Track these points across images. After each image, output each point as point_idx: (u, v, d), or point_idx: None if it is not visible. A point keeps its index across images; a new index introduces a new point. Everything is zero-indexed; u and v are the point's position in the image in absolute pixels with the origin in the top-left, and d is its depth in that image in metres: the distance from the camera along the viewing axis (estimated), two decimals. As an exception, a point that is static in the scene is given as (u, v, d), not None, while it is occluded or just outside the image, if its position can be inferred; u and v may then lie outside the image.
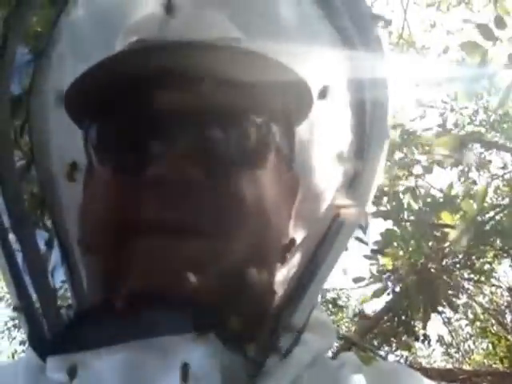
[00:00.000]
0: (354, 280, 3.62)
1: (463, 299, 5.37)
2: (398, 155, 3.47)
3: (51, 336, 0.61)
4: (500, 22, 2.19)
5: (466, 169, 4.99)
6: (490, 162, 5.38)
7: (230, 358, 0.54)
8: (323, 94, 0.65)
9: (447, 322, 5.72)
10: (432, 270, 3.54)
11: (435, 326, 5.70)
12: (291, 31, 0.70)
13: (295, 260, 0.66)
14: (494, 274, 5.32)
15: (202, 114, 0.60)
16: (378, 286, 3.68)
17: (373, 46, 0.65)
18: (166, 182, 0.57)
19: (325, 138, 0.69)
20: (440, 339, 6.14)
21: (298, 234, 0.67)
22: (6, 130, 0.67)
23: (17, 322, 6.67)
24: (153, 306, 0.54)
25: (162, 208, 0.57)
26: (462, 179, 4.83)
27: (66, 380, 0.55)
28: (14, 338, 7.15)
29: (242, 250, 0.58)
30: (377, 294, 3.69)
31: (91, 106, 0.64)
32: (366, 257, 3.61)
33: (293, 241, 0.67)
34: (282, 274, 0.65)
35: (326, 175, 0.68)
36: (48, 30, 0.71)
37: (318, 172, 0.70)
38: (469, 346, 6.56)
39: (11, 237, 0.63)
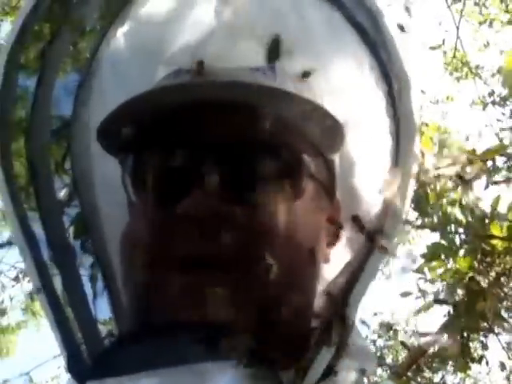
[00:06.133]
0: (401, 295, 3.58)
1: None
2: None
3: (90, 361, 0.62)
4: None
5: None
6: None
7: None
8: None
9: (507, 347, 5.53)
10: (481, 284, 3.46)
11: (496, 351, 5.53)
12: (326, 60, 0.70)
13: (332, 286, 0.65)
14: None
15: (235, 148, 0.61)
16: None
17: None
18: (198, 217, 0.58)
19: (361, 159, 0.71)
20: (501, 365, 5.93)
21: (338, 258, 0.67)
22: (47, 160, 0.70)
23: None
24: (188, 333, 0.56)
25: (195, 243, 0.59)
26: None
27: None
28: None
29: (277, 282, 0.59)
30: (423, 309, 3.63)
31: (124, 139, 0.65)
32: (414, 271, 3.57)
33: (331, 266, 0.67)
34: (319, 300, 0.65)
35: (366, 198, 0.69)
36: (88, 60, 0.73)
37: (358, 196, 0.71)
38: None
39: (50, 265, 0.65)
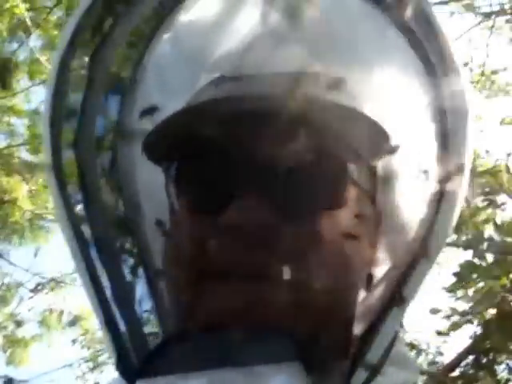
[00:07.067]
0: (430, 311, 3.54)
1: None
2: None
3: (139, 360, 0.62)
4: None
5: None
6: None
7: None
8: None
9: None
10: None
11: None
12: (372, 66, 0.70)
13: (377, 292, 0.66)
14: None
15: (282, 159, 0.61)
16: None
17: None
18: (244, 227, 0.59)
19: (406, 168, 0.70)
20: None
21: (381, 266, 0.68)
22: (94, 167, 0.70)
23: (90, 364, 6.69)
24: (240, 334, 0.56)
25: (239, 253, 0.58)
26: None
27: None
28: (87, 381, 7.08)
29: (324, 289, 0.59)
30: (455, 327, 3.58)
31: (170, 150, 0.66)
32: (445, 289, 3.53)
33: (373, 275, 0.67)
34: (363, 307, 0.65)
35: (409, 206, 0.68)
36: (132, 68, 0.73)
37: (401, 204, 0.70)
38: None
39: (98, 266, 0.66)
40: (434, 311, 3.57)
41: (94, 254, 0.66)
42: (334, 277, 0.61)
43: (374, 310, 0.62)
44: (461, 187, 0.62)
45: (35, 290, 5.74)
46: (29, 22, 3.70)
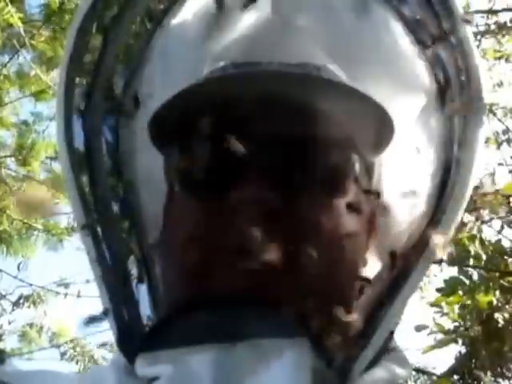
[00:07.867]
0: (416, 328, 3.52)
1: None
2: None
3: (141, 335, 0.63)
4: None
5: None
6: None
7: (320, 364, 0.56)
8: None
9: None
10: (499, 321, 3.42)
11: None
12: (380, 60, 0.72)
13: (375, 280, 0.67)
14: None
15: (285, 141, 0.63)
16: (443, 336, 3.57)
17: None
18: (245, 208, 0.60)
19: (408, 163, 0.71)
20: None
21: (378, 258, 0.69)
22: (98, 144, 0.72)
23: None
24: (246, 309, 0.57)
25: (240, 233, 0.59)
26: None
27: (157, 373, 0.57)
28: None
29: (321, 272, 0.60)
30: (440, 345, 3.57)
31: (172, 132, 0.68)
32: (429, 304, 3.52)
33: (373, 263, 0.68)
34: (363, 297, 0.66)
35: (408, 203, 0.70)
36: (137, 52, 0.75)
37: (399, 200, 0.71)
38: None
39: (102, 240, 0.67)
40: (420, 328, 3.55)
41: (100, 227, 0.67)
42: (346, 256, 0.63)
43: (373, 300, 0.64)
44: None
45: (17, 304, 5.67)
46: (23, 33, 3.70)
